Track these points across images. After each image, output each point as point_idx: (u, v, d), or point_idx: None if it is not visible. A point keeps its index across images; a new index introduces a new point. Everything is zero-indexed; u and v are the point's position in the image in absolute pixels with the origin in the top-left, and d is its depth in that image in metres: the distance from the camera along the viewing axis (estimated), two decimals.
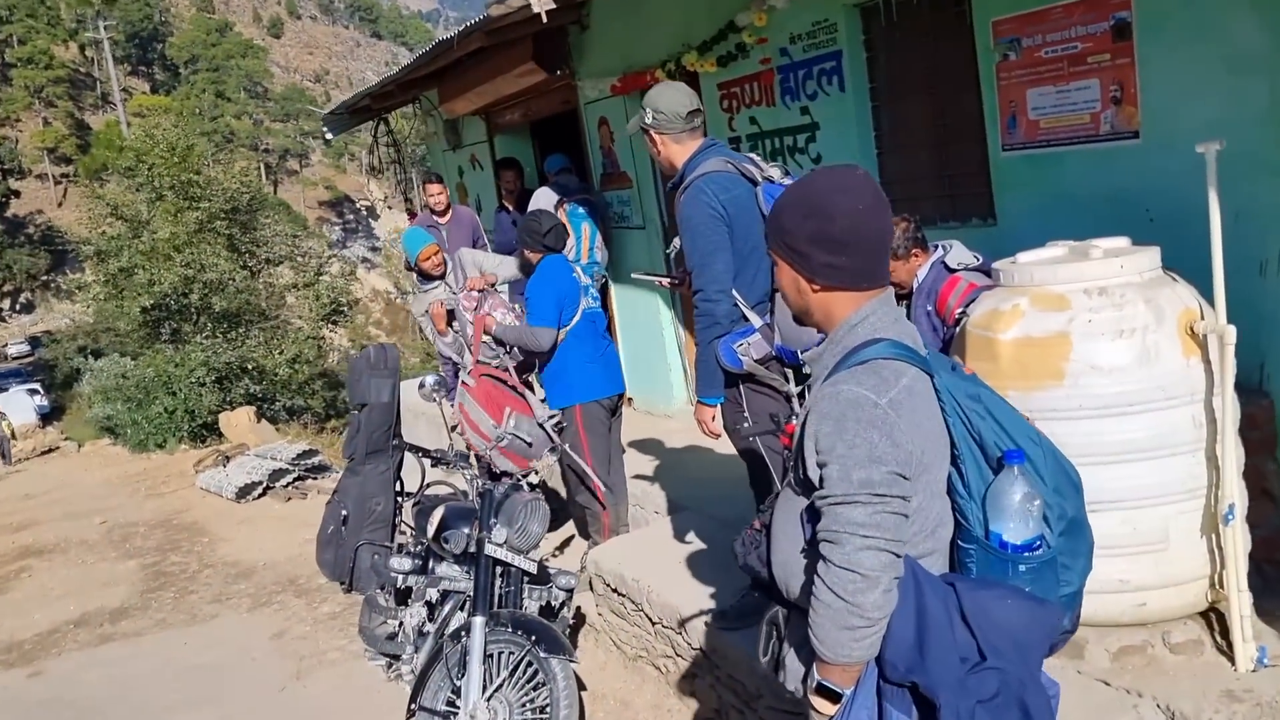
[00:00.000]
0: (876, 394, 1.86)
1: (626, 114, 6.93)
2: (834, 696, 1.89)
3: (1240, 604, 3.05)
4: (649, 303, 7.26)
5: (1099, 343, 3.08)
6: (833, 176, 2.00)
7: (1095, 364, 3.08)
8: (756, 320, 3.57)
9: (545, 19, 5.44)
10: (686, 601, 4.29)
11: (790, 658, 2.12)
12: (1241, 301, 3.12)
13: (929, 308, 3.92)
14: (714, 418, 3.69)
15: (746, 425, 3.71)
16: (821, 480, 1.88)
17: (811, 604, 1.86)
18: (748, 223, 3.55)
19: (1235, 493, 3.07)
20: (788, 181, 3.72)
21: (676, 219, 3.70)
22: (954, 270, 3.91)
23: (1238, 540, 3.06)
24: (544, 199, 7.35)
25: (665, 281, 4.05)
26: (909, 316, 4.03)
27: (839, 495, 1.83)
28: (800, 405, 3.79)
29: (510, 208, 8.27)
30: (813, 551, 1.91)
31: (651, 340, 7.25)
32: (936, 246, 4.04)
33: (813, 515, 1.92)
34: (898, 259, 3.96)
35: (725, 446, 6.42)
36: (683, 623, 4.08)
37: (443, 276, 6.46)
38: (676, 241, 3.63)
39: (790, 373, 3.62)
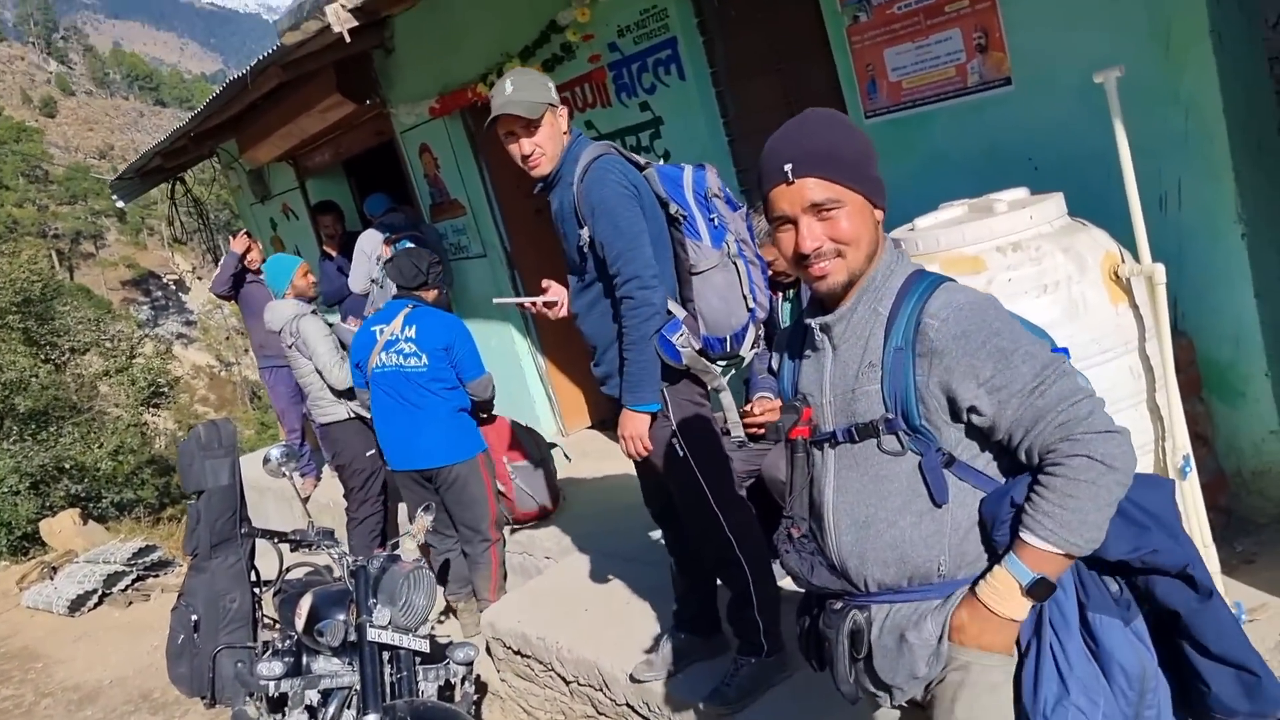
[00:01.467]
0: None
1: (449, 137, 6.48)
2: (1049, 590, 1.71)
3: (1207, 560, 2.83)
4: (502, 333, 6.79)
5: (1023, 302, 2.81)
6: (822, 111, 1.87)
7: None
8: (680, 311, 3.18)
9: (348, 38, 4.93)
10: (605, 654, 3.85)
11: (911, 638, 1.80)
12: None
13: None
14: (650, 427, 3.21)
15: (725, 429, 3.32)
16: (996, 390, 1.71)
17: (1059, 491, 1.66)
18: (652, 207, 3.15)
19: (1187, 442, 2.85)
20: (686, 165, 3.34)
21: (558, 216, 3.23)
22: None
23: (1197, 493, 2.85)
24: (370, 240, 6.79)
25: (535, 304, 3.54)
26: (799, 304, 3.72)
27: (1050, 374, 1.69)
28: (725, 399, 3.42)
29: (333, 254, 7.66)
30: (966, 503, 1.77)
31: (510, 372, 6.78)
32: None
33: (920, 471, 1.78)
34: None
35: (612, 471, 6.07)
36: (634, 679, 3.63)
37: (314, 299, 5.79)
38: (584, 232, 3.17)
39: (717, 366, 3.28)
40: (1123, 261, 2.89)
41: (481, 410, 5.01)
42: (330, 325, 5.74)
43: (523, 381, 6.79)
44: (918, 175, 3.89)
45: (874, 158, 1.83)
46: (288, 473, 4.13)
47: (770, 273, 3.70)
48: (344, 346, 5.55)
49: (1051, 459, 1.66)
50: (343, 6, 4.99)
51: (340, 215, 7.84)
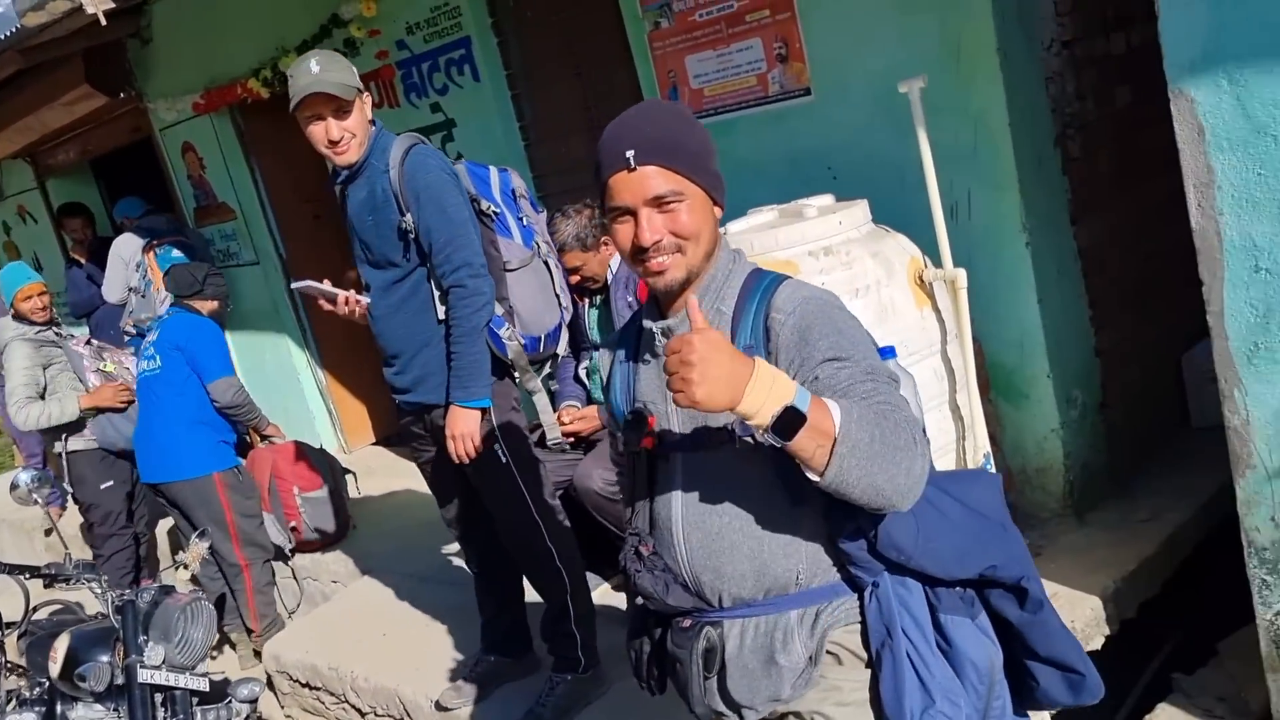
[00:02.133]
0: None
1: (217, 135, 6.05)
2: (795, 420, 1.46)
3: None
4: (277, 345, 6.38)
5: None
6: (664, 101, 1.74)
7: None
8: (498, 308, 3.03)
9: (104, 20, 4.48)
10: (406, 681, 3.64)
11: (781, 660, 1.71)
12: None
13: (629, 299, 3.55)
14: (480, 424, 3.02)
15: (539, 435, 3.17)
16: (827, 378, 1.60)
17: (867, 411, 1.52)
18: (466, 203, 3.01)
19: (987, 440, 2.97)
20: (490, 165, 3.25)
21: (364, 205, 2.98)
22: None
23: None
24: (128, 246, 6.22)
25: (347, 298, 3.14)
26: (609, 310, 3.65)
27: (881, 379, 1.60)
28: (540, 401, 3.31)
29: (83, 260, 6.98)
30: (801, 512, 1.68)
31: (287, 388, 6.38)
32: None
33: (775, 475, 1.66)
34: (586, 250, 3.57)
35: (400, 487, 5.79)
36: (440, 707, 3.42)
37: (49, 323, 5.11)
38: (408, 218, 2.94)
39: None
40: (925, 266, 2.98)
41: (234, 419, 4.66)
42: (62, 346, 5.11)
43: (301, 397, 6.40)
44: None
45: (714, 152, 1.77)
46: (39, 500, 3.69)
47: (577, 278, 3.62)
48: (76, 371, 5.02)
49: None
50: None
51: (90, 219, 7.17)
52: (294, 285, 3.09)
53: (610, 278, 3.61)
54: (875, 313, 2.87)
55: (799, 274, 2.88)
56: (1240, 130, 2.23)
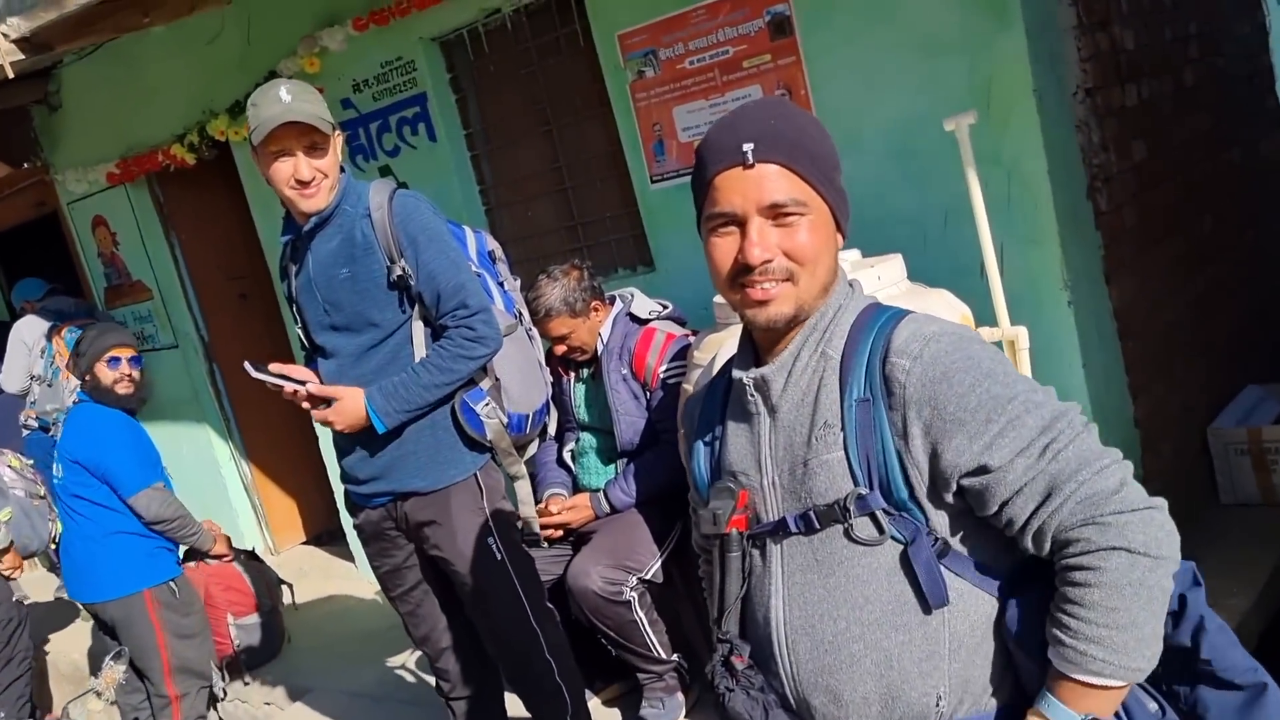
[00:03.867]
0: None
1: (133, 207, 5.55)
2: None
3: None
4: (196, 436, 5.79)
5: None
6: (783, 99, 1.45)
7: None
8: (483, 381, 2.60)
9: (10, 73, 4.00)
10: None
11: None
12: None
13: (624, 371, 3.15)
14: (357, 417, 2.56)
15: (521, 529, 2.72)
16: (991, 448, 1.27)
17: (1100, 605, 1.23)
18: None
19: None
20: (464, 225, 2.86)
21: (333, 257, 2.56)
22: (646, 321, 3.19)
23: None
24: (31, 329, 5.60)
25: (301, 389, 2.60)
26: (598, 385, 3.24)
27: (1063, 429, 1.27)
28: (523, 490, 2.85)
29: None
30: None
31: (207, 483, 5.77)
32: (615, 298, 3.30)
33: (905, 566, 1.32)
34: (576, 316, 3.16)
35: (337, 591, 5.20)
36: None
37: None
38: (399, 266, 2.50)
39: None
40: (977, 326, 2.65)
41: (165, 535, 3.89)
42: None
43: (223, 493, 5.79)
44: None
45: (841, 169, 1.42)
46: None
47: (563, 348, 3.22)
48: None
49: (1076, 552, 1.25)
50: (4, 37, 4.07)
51: None
52: (247, 366, 2.57)
53: (601, 348, 3.20)
54: None
55: None
56: None
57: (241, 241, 5.55)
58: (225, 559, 4.31)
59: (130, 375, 3.85)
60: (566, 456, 3.36)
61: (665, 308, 3.26)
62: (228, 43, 4.66)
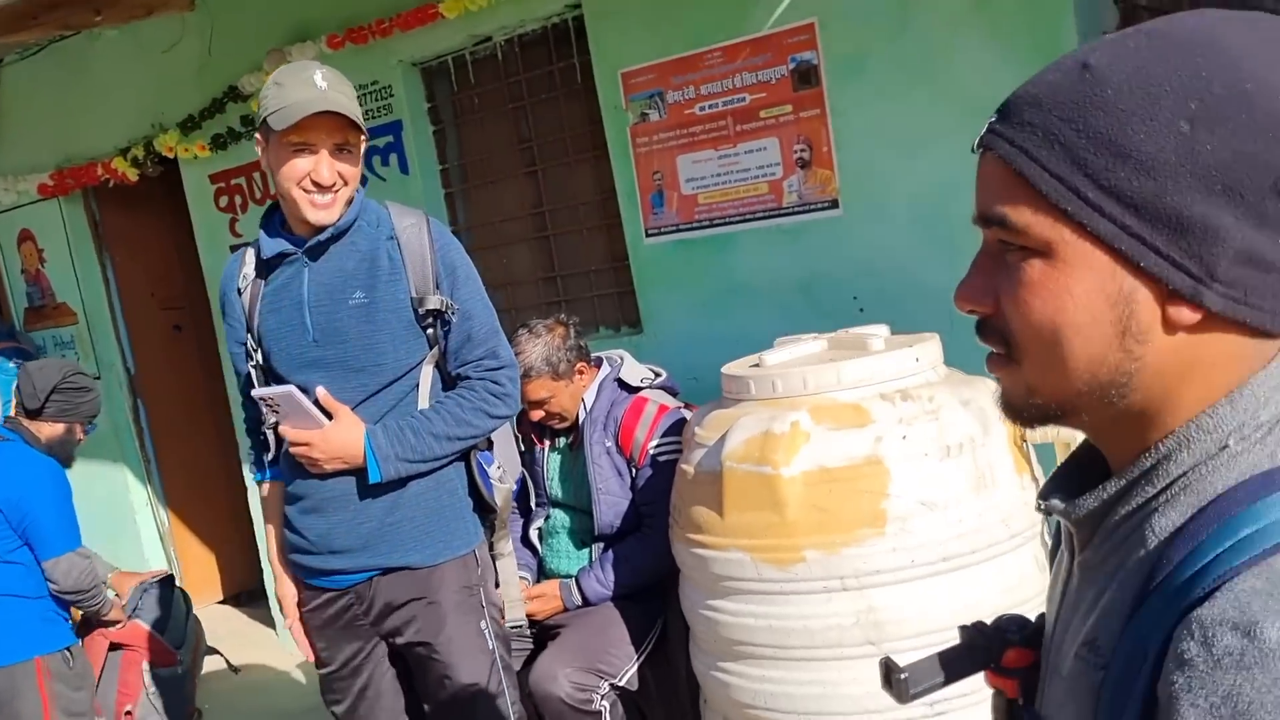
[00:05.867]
0: None
1: (65, 223, 5.09)
2: None
3: None
4: (111, 478, 5.26)
5: (923, 466, 2.15)
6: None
7: (925, 498, 2.14)
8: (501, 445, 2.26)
9: None
10: None
11: None
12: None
13: (609, 444, 2.77)
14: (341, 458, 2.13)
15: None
16: None
17: None
18: None
19: None
20: None
21: (328, 288, 2.13)
22: (636, 389, 2.83)
23: None
24: None
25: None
26: (580, 455, 2.86)
27: None
28: (507, 569, 2.46)
29: None
30: None
31: (118, 528, 5.23)
32: (602, 361, 2.94)
33: None
34: (558, 379, 2.79)
35: (255, 660, 4.68)
36: None
37: None
38: (435, 298, 2.11)
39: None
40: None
41: (73, 604, 3.33)
42: None
43: (136, 541, 5.26)
44: (708, 308, 3.23)
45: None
46: None
47: (540, 414, 2.85)
48: None
49: None
50: None
51: None
52: (256, 394, 2.14)
53: (584, 415, 2.82)
54: (972, 481, 2.18)
55: (872, 423, 2.18)
56: None
57: (181, 269, 5.13)
58: (119, 626, 3.79)
59: (80, 441, 3.43)
60: (533, 535, 2.96)
61: (658, 375, 2.91)
62: (185, 52, 4.28)
